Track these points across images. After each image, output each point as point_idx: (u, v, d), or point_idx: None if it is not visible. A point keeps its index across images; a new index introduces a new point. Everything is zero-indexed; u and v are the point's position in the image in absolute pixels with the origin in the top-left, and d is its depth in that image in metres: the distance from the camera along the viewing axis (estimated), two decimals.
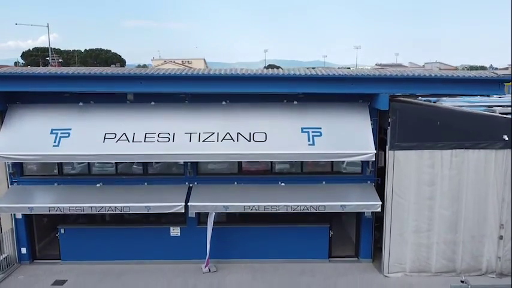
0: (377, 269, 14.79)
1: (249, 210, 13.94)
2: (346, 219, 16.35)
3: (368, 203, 13.95)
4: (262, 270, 14.69)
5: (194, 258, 14.61)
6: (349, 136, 13.80)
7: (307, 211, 13.95)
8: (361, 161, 14.58)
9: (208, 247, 14.37)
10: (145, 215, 15.37)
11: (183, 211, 13.78)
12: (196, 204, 13.94)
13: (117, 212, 13.64)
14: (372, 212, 15.00)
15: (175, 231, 15.00)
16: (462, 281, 11.08)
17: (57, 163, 14.61)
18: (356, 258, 15.51)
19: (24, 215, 14.70)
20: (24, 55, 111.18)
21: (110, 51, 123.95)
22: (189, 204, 13.85)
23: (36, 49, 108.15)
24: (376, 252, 15.37)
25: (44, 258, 15.25)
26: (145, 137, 13.53)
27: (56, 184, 14.63)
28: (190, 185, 14.29)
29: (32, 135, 13.45)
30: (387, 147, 13.93)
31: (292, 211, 13.96)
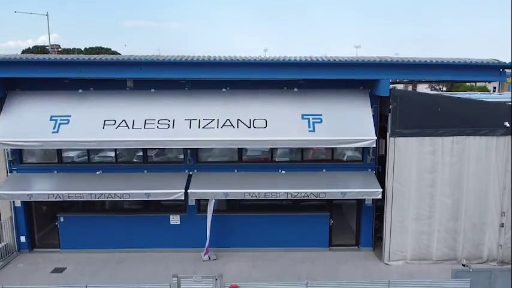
0: (377, 257, 14.75)
1: (249, 197, 13.88)
2: (347, 209, 16.27)
3: (369, 190, 13.89)
4: (263, 258, 14.64)
5: (194, 247, 14.56)
6: (349, 123, 13.76)
7: (308, 198, 13.92)
8: (362, 148, 14.52)
9: (208, 235, 14.32)
10: (145, 204, 15.34)
11: (183, 198, 13.70)
12: (196, 191, 13.88)
13: (117, 199, 13.58)
14: (373, 200, 14.95)
15: (175, 219, 14.94)
16: (464, 265, 11.02)
17: (57, 151, 14.55)
18: (356, 247, 15.46)
19: (23, 203, 14.65)
20: (24, 53, 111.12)
21: (110, 49, 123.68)
22: (189, 191, 13.78)
23: (36, 47, 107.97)
24: (376, 242, 15.31)
25: (44, 247, 15.18)
26: (145, 124, 13.48)
27: (55, 172, 14.58)
28: (190, 173, 14.26)
29: (31, 121, 13.40)
30: (388, 134, 13.86)
31: (293, 198, 13.92)
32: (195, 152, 14.32)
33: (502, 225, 13.80)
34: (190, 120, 13.26)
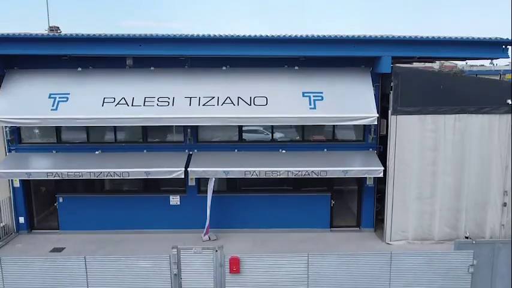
0: (379, 237, 14.64)
1: (249, 176, 13.75)
2: (347, 193, 16.19)
3: (370, 168, 13.78)
4: (263, 239, 14.53)
5: (194, 228, 14.40)
6: (350, 100, 13.67)
7: (309, 176, 13.75)
8: (363, 128, 14.43)
9: (208, 214, 14.18)
10: (145, 184, 15.21)
11: (183, 176, 13.37)
12: (196, 170, 13.76)
13: (116, 177, 13.45)
14: (374, 181, 14.84)
15: (175, 200, 14.80)
16: (466, 237, 10.90)
17: (56, 131, 14.43)
18: (357, 228, 15.37)
19: (22, 184, 14.53)
20: None
21: None
22: (189, 169, 13.65)
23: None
24: (377, 224, 15.20)
25: (42, 228, 15.05)
26: (144, 101, 13.38)
27: (54, 152, 14.46)
28: (190, 153, 14.14)
29: (30, 99, 13.30)
30: (389, 111, 13.75)
31: (294, 176, 13.78)
32: (195, 131, 14.15)
33: (504, 204, 13.68)
34: (190, 97, 13.14)
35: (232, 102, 13.42)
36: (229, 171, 13.71)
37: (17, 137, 14.30)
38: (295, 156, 14.41)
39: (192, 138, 14.21)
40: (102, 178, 13.74)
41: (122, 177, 13.43)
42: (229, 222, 14.99)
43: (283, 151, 14.37)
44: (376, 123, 13.46)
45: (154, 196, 14.98)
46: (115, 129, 14.57)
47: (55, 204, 14.79)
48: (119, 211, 14.93)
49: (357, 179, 15.14)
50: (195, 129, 14.15)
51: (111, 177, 13.48)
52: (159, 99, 13.41)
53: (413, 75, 13.56)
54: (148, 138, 14.83)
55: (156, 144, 14.84)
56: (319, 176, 13.77)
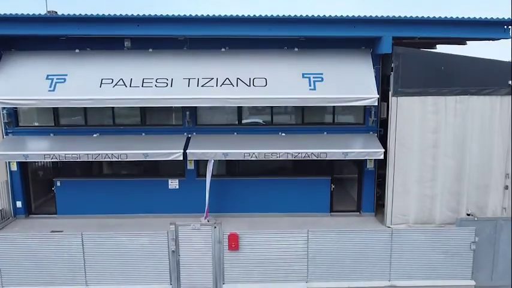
0: (379, 221, 14.49)
1: (248, 158, 13.63)
2: (347, 179, 16.02)
3: (370, 150, 13.65)
4: (262, 223, 14.33)
5: (193, 212, 14.07)
6: (351, 81, 13.55)
7: (308, 158, 13.62)
8: (364, 110, 14.34)
9: (207, 196, 14.03)
10: (144, 168, 15.07)
11: (181, 158, 13.09)
12: (195, 151, 13.62)
13: (114, 159, 13.31)
14: (374, 164, 14.71)
15: (173, 183, 14.63)
16: (468, 214, 10.76)
17: (53, 113, 14.30)
18: (358, 213, 15.21)
19: (19, 167, 14.38)
20: None
21: None
22: (187, 151, 13.52)
23: None
24: (378, 209, 15.06)
25: (40, 213, 14.91)
26: (142, 82, 13.27)
27: (51, 135, 14.32)
28: (189, 135, 13.97)
29: (27, 80, 13.16)
30: (390, 93, 13.62)
31: (293, 158, 13.64)
32: (194, 114, 13.93)
33: (506, 187, 13.53)
34: (189, 79, 12.97)
35: (232, 83, 13.31)
36: (228, 153, 13.57)
37: (14, 120, 14.15)
38: (295, 139, 14.28)
39: (190, 121, 13.97)
40: (100, 160, 13.59)
41: (120, 159, 13.30)
42: (229, 206, 14.89)
43: (283, 134, 14.21)
44: (376, 104, 13.34)
45: (153, 180, 14.85)
46: (113, 112, 14.42)
47: (53, 188, 14.59)
48: (117, 195, 14.77)
49: (357, 163, 15.02)
50: (193, 112, 13.91)
51: (109, 159, 13.30)
52: (158, 81, 13.29)
53: (414, 56, 13.43)
54: (147, 121, 14.69)
55: (154, 127, 14.70)
56: (319, 158, 13.61)
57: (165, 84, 13.26)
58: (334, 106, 14.45)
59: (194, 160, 13.93)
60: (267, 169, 15.19)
